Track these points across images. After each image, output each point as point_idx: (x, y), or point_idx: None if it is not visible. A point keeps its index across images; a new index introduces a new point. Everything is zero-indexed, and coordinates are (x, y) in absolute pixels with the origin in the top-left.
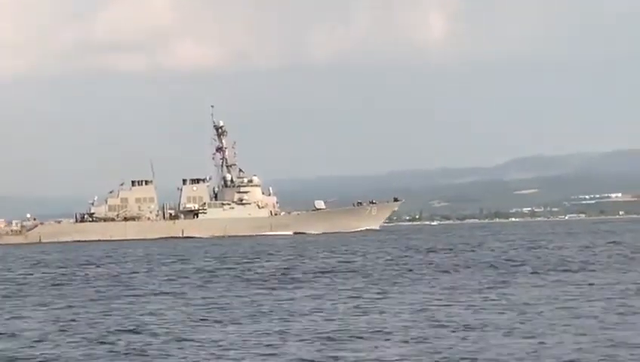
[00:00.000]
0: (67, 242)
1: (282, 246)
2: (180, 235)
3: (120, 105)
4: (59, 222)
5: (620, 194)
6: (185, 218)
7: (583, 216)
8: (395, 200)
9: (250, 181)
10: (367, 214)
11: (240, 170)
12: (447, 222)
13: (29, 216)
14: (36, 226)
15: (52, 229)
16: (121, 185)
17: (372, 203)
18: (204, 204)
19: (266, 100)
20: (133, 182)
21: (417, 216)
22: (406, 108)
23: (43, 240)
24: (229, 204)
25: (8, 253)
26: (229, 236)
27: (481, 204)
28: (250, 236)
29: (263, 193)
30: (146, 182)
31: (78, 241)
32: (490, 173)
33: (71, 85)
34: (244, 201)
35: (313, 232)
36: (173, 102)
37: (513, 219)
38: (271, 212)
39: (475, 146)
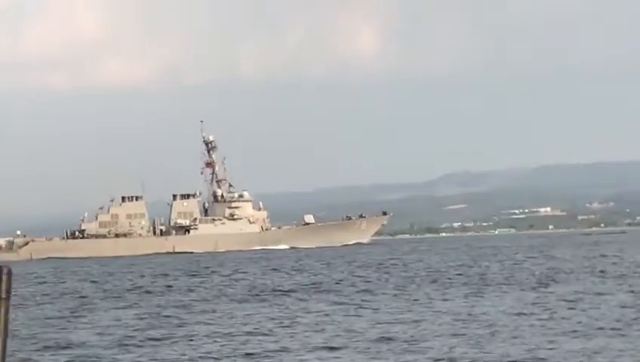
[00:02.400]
0: (59, 258)
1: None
2: (172, 251)
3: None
4: (50, 239)
5: (548, 209)
6: (176, 234)
7: (513, 230)
8: (384, 213)
9: (241, 196)
10: (356, 228)
11: (230, 185)
12: (379, 237)
13: (19, 232)
14: (27, 243)
15: (43, 246)
16: (111, 201)
17: (361, 216)
18: (195, 219)
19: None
20: (123, 198)
21: None
22: (333, 124)
23: (34, 257)
24: (220, 220)
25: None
26: (221, 251)
27: (411, 220)
28: (241, 251)
29: (253, 208)
30: (137, 198)
31: (70, 258)
32: (420, 188)
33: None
34: (235, 217)
35: (304, 246)
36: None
37: (444, 234)
38: (262, 227)
39: (403, 162)
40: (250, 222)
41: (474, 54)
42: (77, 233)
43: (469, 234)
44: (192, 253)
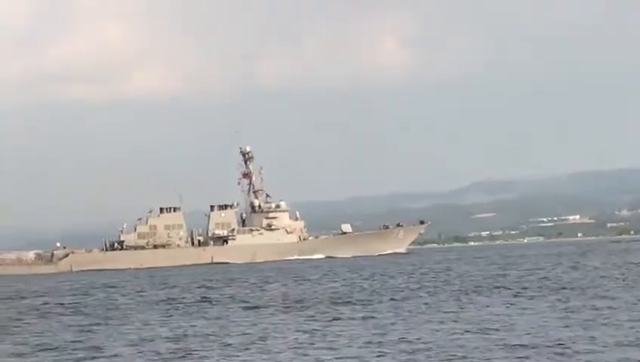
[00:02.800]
0: (99, 270)
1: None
2: (210, 262)
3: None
4: (89, 250)
5: (577, 217)
6: (214, 244)
7: (541, 238)
8: (421, 222)
9: (278, 206)
10: (394, 237)
11: (267, 196)
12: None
13: (58, 244)
14: (67, 255)
15: (83, 258)
16: (150, 212)
17: (399, 225)
18: (233, 230)
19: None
20: (161, 209)
21: None
22: (358, 132)
23: (74, 269)
24: (257, 230)
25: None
26: (259, 261)
27: (439, 229)
28: (279, 261)
29: (290, 218)
30: (175, 209)
31: (109, 270)
32: (447, 197)
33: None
34: (272, 227)
35: (341, 256)
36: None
37: (472, 243)
38: (299, 237)
39: (430, 170)
40: (288, 232)
41: (503, 59)
42: (116, 244)
43: (498, 242)
44: (229, 263)
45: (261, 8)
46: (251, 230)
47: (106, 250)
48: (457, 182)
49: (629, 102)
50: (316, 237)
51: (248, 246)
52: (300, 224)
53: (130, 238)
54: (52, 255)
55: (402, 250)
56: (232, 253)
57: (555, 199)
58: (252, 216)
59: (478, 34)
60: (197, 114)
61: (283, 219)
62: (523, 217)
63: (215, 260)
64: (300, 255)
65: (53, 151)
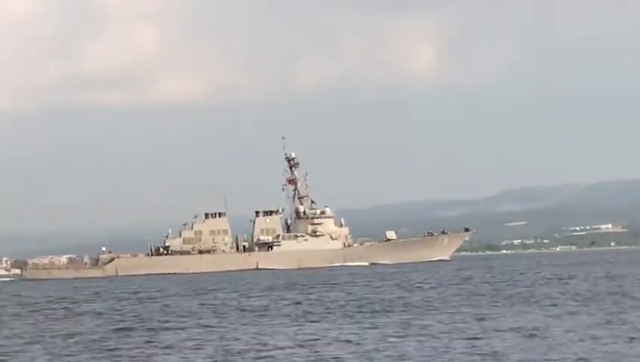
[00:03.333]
0: (144, 275)
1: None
2: (255, 267)
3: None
4: (135, 255)
5: (609, 226)
6: (259, 250)
7: (573, 247)
8: (466, 230)
9: (323, 212)
10: (438, 244)
11: (312, 202)
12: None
13: (104, 249)
14: (112, 260)
15: (128, 263)
16: (195, 217)
17: (443, 233)
18: (278, 236)
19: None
20: (206, 215)
21: None
22: (389, 140)
23: (119, 274)
24: (302, 236)
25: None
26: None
27: (471, 237)
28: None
29: (335, 224)
30: (220, 215)
31: (154, 274)
32: (480, 205)
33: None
34: (317, 233)
35: (385, 263)
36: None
37: (504, 251)
38: (344, 243)
39: (463, 179)
40: (333, 239)
41: (531, 69)
42: (161, 249)
43: (530, 251)
44: (275, 269)
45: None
46: (296, 236)
47: (152, 254)
48: (489, 191)
49: None
50: (361, 244)
51: (293, 252)
52: (345, 230)
53: (175, 243)
54: (98, 259)
55: (447, 257)
56: (278, 259)
57: (587, 208)
58: (297, 222)
59: (507, 42)
60: (236, 119)
61: (328, 226)
62: (555, 226)
63: (260, 266)
64: (344, 261)
65: (95, 157)
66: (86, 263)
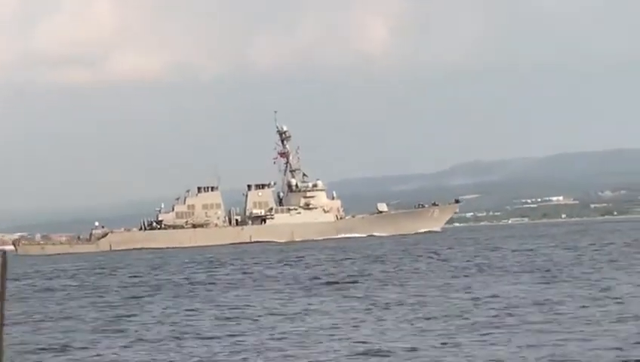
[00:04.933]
0: (138, 249)
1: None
2: (248, 241)
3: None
4: (128, 230)
5: (561, 198)
6: (252, 224)
7: (525, 219)
8: (456, 201)
9: (315, 185)
10: (429, 216)
11: (304, 175)
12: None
13: (97, 224)
14: (106, 235)
15: (122, 237)
16: (187, 191)
17: (434, 205)
18: (271, 209)
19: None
20: (199, 189)
21: None
22: (349, 118)
23: (113, 248)
24: (295, 209)
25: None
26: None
27: None
28: (317, 240)
29: (327, 197)
30: (212, 188)
31: (149, 248)
32: (432, 179)
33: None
34: (310, 206)
35: (378, 235)
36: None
37: (457, 225)
38: (337, 216)
39: (414, 153)
40: (325, 211)
41: (487, 44)
42: (154, 224)
43: (482, 223)
44: (269, 242)
45: None
46: (289, 209)
47: (145, 229)
48: (442, 165)
49: (613, 85)
50: (353, 216)
51: (286, 225)
52: (337, 203)
53: (168, 218)
54: (91, 234)
55: (437, 228)
56: (271, 233)
57: (538, 180)
58: (289, 196)
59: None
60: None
61: (320, 198)
62: (507, 199)
63: (253, 239)
64: (337, 234)
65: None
66: (79, 238)
